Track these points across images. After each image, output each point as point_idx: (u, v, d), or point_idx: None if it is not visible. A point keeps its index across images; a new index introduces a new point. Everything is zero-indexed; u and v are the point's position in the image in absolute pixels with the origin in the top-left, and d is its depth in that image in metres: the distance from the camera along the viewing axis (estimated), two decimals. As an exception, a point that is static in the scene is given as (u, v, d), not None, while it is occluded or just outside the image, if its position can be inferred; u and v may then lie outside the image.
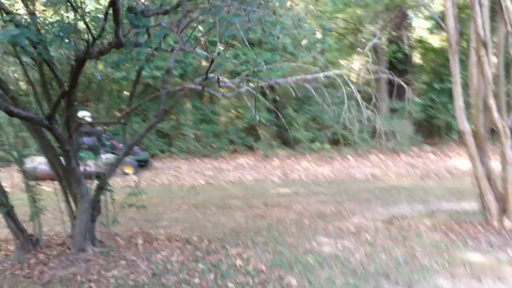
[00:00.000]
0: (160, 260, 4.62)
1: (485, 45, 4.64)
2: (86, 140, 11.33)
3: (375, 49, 15.07)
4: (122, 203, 5.38)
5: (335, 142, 13.94)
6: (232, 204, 7.45)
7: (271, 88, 14.58)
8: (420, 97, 15.26)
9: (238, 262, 4.45)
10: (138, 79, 4.63)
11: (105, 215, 5.36)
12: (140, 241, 5.35)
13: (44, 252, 4.95)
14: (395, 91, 15.08)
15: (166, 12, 3.35)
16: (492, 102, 4.72)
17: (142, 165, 12.11)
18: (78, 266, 4.52)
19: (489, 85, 4.67)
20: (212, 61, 4.17)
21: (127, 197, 5.35)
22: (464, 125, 5.04)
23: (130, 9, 3.11)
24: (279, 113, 13.57)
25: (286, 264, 4.35)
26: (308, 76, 5.73)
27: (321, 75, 5.07)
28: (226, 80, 5.18)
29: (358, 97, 13.08)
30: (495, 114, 4.72)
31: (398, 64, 15.11)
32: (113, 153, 11.91)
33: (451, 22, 4.84)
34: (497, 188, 5.18)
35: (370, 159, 12.43)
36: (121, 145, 11.98)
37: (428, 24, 15.75)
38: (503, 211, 5.05)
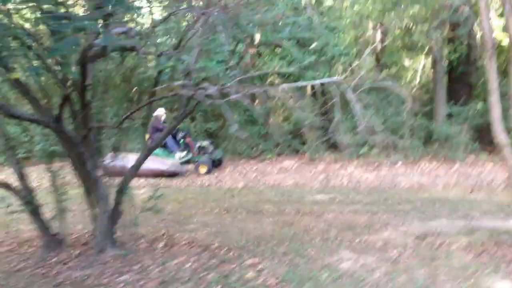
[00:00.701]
0: (174, 266, 4.61)
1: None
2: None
3: (431, 49, 14.42)
4: (141, 206, 5.38)
5: (384, 147, 13.42)
6: (264, 210, 7.33)
7: (322, 91, 14.34)
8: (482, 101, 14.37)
9: (250, 273, 4.34)
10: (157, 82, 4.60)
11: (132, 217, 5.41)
12: (160, 245, 5.38)
13: (67, 252, 5.08)
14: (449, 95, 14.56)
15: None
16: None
17: (216, 164, 12.16)
18: (94, 268, 4.60)
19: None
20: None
21: (146, 201, 5.33)
22: (502, 137, 4.62)
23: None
24: (328, 116, 13.41)
25: (298, 279, 4.19)
26: (305, 83, 5.49)
27: (317, 81, 4.81)
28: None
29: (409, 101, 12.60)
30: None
31: (461, 65, 14.35)
32: (188, 152, 12.17)
33: (486, 23, 4.45)
34: (541, 208, 4.72)
35: (421, 166, 11.83)
36: (197, 144, 12.23)
37: (501, 22, 14.68)
38: (545, 233, 4.59)
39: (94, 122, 4.40)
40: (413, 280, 4.09)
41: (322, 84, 14.59)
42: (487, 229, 5.80)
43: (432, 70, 16.08)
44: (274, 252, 5.01)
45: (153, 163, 10.93)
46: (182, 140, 12.24)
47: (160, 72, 4.51)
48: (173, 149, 11.93)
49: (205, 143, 12.33)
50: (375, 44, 12.76)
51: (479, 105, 13.38)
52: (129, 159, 11.08)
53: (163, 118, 11.97)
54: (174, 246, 5.34)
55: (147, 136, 11.98)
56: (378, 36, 17.92)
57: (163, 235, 5.86)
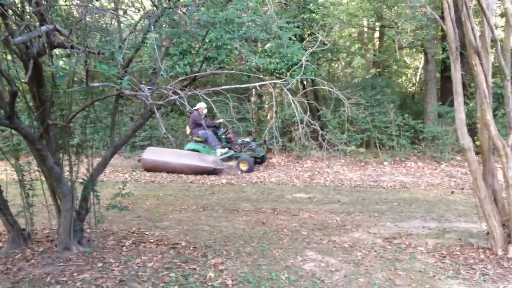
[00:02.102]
0: (136, 265, 4.59)
1: (478, 53, 4.19)
2: (202, 133, 11.55)
3: (423, 48, 14.37)
4: (108, 204, 5.35)
5: (371, 146, 13.42)
6: (241, 208, 7.33)
7: (314, 89, 14.33)
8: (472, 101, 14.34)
9: (210, 274, 4.32)
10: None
11: (93, 214, 5.38)
12: (128, 243, 5.37)
13: (32, 248, 5.06)
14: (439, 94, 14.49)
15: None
16: (489, 117, 4.27)
17: (258, 161, 11.97)
18: (56, 265, 4.58)
19: (485, 99, 4.22)
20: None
21: (113, 198, 5.31)
22: (466, 141, 4.60)
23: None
24: (316, 113, 13.39)
25: (256, 280, 4.17)
26: (245, 85, 5.46)
27: (257, 84, 4.79)
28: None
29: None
30: (494, 131, 4.26)
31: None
32: (230, 148, 11.90)
33: (450, 25, 4.41)
34: (504, 212, 4.70)
35: (407, 166, 11.83)
36: (239, 140, 11.99)
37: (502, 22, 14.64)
38: (508, 238, 4.58)
39: (50, 119, 4.36)
40: (371, 283, 4.08)
41: (308, 82, 14.57)
42: (458, 231, 5.81)
43: (423, 69, 16.08)
44: (239, 252, 5.00)
45: (193, 159, 10.91)
46: (223, 136, 11.94)
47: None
48: (214, 145, 11.62)
49: (247, 139, 12.04)
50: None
51: (470, 106, 13.32)
52: (162, 154, 11.14)
53: (204, 112, 11.67)
54: (142, 244, 5.32)
55: (187, 130, 12.02)
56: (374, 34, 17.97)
57: (133, 232, 5.85)
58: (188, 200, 7.96)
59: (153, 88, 3.71)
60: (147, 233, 5.86)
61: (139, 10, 3.99)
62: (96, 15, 4.32)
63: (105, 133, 5.90)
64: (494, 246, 4.67)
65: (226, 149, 11.73)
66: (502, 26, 11.42)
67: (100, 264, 4.59)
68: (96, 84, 3.64)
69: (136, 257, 4.79)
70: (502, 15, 11.62)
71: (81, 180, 5.08)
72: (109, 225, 6.13)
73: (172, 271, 4.40)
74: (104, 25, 4.73)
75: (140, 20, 4.14)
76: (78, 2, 4.09)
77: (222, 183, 9.72)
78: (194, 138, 11.78)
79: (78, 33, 3.96)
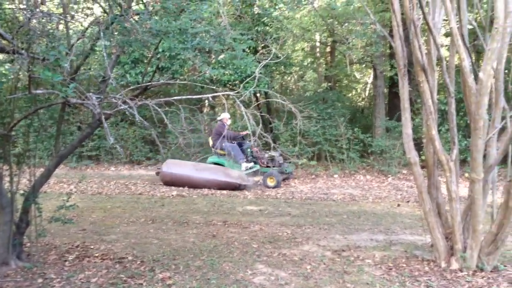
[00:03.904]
0: (79, 281, 4.40)
1: (424, 70, 4.35)
2: (226, 145, 10.90)
3: (372, 64, 14.80)
4: (50, 217, 5.12)
5: (322, 159, 13.63)
6: (191, 220, 7.21)
7: (267, 102, 14.42)
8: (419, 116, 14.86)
9: (157, 289, 4.20)
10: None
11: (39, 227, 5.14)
12: (71, 257, 5.15)
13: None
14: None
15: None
16: (434, 133, 4.42)
17: (285, 178, 11.37)
18: (-8, 281, 4.32)
19: (431, 115, 4.37)
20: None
21: (56, 211, 5.08)
22: (412, 155, 4.73)
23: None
24: (269, 125, 13.47)
25: (204, 295, 4.09)
26: (198, 96, 5.47)
27: (209, 95, 4.80)
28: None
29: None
30: (438, 146, 4.41)
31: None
32: (255, 162, 11.27)
33: (398, 42, 4.55)
34: (448, 225, 4.86)
35: (357, 179, 12.08)
36: (266, 154, 11.27)
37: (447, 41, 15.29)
38: (451, 250, 4.72)
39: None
40: (320, 296, 4.09)
41: (261, 94, 14.65)
42: (404, 243, 5.94)
43: (372, 85, 16.56)
44: (188, 266, 4.90)
45: (217, 174, 10.30)
46: (249, 149, 11.34)
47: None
48: (239, 159, 11.03)
49: (275, 153, 11.27)
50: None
51: (416, 121, 13.79)
52: (183, 167, 10.48)
53: (228, 122, 11.20)
54: (86, 258, 5.12)
55: (210, 142, 11.37)
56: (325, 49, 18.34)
57: (77, 246, 5.62)
58: (136, 213, 7.76)
59: (102, 97, 3.60)
60: (92, 247, 5.65)
61: (87, 16, 3.87)
62: (43, 19, 4.16)
63: (49, 143, 5.66)
64: (438, 258, 4.81)
65: (252, 164, 11.16)
66: (447, 45, 11.95)
67: (40, 280, 4.37)
68: (39, 91, 3.49)
69: (80, 273, 4.60)
70: (447, 34, 12.17)
71: (22, 192, 4.84)
72: (51, 238, 5.87)
73: (117, 286, 4.26)
74: (51, 30, 4.56)
75: (89, 26, 4.02)
76: (24, 6, 3.92)
77: (172, 195, 9.55)
78: (217, 150, 11.15)
79: (22, 38, 3.79)
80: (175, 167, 10.59)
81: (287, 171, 11.37)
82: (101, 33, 3.65)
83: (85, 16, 4.29)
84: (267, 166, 11.18)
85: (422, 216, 4.99)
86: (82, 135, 4.92)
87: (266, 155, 11.29)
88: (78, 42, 4.10)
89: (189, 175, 10.39)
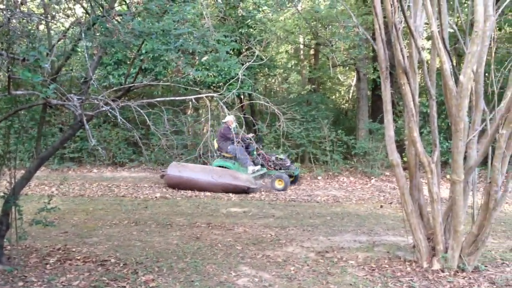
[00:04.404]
0: (60, 284, 4.36)
1: (406, 73, 4.40)
2: (231, 148, 10.71)
3: (355, 66, 14.91)
4: (31, 220, 5.05)
5: (306, 161, 13.67)
6: (175, 222, 7.18)
7: (251, 104, 14.44)
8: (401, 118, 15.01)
9: (140, 291, 4.17)
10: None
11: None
12: (53, 260, 5.08)
13: None
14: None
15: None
16: (416, 135, 4.48)
17: (292, 180, 11.15)
18: (-29, 285, 4.24)
19: (413, 117, 4.42)
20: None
21: (37, 213, 5.01)
22: (394, 157, 4.78)
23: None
24: (253, 127, 13.47)
25: (188, 297, 4.07)
26: (181, 98, 5.48)
27: (192, 97, 4.81)
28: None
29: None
30: (420, 148, 4.46)
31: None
32: (262, 165, 11.04)
33: (380, 45, 4.60)
34: (429, 226, 4.91)
35: (340, 181, 12.15)
36: (272, 156, 11.08)
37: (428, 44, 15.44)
38: (433, 251, 4.77)
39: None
40: (303, 298, 4.10)
41: (245, 96, 14.67)
42: (387, 244, 5.99)
43: (356, 87, 16.68)
44: (172, 268, 4.88)
45: (225, 177, 10.10)
46: (255, 152, 11.13)
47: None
48: (245, 162, 10.79)
49: (282, 156, 11.25)
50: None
51: (398, 123, 13.92)
52: (189, 170, 10.25)
53: (233, 125, 10.85)
54: (67, 261, 5.06)
55: (215, 144, 11.13)
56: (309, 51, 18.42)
57: (58, 249, 5.56)
58: (119, 215, 7.69)
59: (83, 97, 3.56)
60: (73, 249, 5.59)
61: (68, 16, 3.82)
62: (23, 20, 4.10)
63: (30, 144, 5.58)
64: (420, 259, 4.86)
65: (259, 167, 10.94)
66: (429, 49, 12.10)
67: (20, 284, 4.31)
68: (19, 92, 3.44)
69: (61, 276, 4.55)
70: (429, 38, 12.31)
71: (2, 194, 4.77)
72: (32, 241, 5.78)
73: (99, 289, 4.21)
74: (32, 31, 4.50)
75: (70, 27, 3.98)
76: (3, 6, 3.87)
77: (156, 197, 9.49)
78: (222, 153, 10.97)
79: (2, 38, 3.74)
80: (181, 169, 10.41)
81: (295, 174, 11.26)
82: (83, 34, 3.61)
83: (66, 17, 4.24)
84: (274, 169, 11.07)
85: (404, 217, 5.04)
86: (64, 137, 4.87)
87: (273, 158, 11.18)
88: (59, 42, 4.05)
89: (196, 178, 10.21)
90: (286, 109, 11.43)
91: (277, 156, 11.17)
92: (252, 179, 10.37)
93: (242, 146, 10.88)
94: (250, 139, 11.01)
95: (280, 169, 11.03)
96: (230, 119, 10.93)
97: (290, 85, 18.75)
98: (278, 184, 10.56)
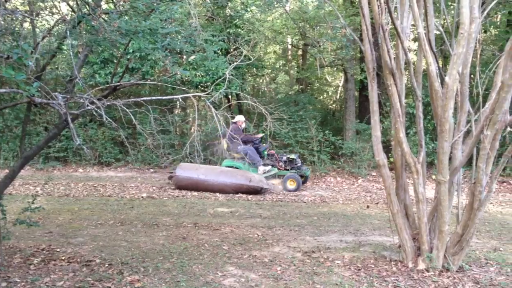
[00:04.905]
0: (44, 284, 4.30)
1: (393, 74, 4.43)
2: (242, 148, 10.58)
3: (343, 67, 14.97)
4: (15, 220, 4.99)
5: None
6: (161, 222, 7.13)
7: (238, 103, 14.43)
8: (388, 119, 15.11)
9: (125, 292, 4.14)
10: None
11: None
12: (37, 260, 5.02)
13: None
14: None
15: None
16: (402, 135, 4.51)
17: (303, 181, 11.03)
18: (-48, 286, 4.18)
19: (399, 118, 4.45)
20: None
21: (21, 213, 4.95)
22: (380, 157, 4.81)
23: None
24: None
25: (174, 297, 4.05)
26: (167, 97, 5.46)
27: (179, 96, 4.80)
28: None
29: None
30: (406, 149, 4.49)
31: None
32: (273, 165, 10.95)
33: (367, 46, 4.62)
34: (415, 226, 4.95)
35: (327, 181, 12.20)
36: (283, 157, 10.98)
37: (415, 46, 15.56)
38: (418, 251, 4.81)
39: None
40: (289, 298, 4.10)
41: (233, 96, 14.67)
42: (373, 244, 6.02)
43: (343, 88, 16.74)
44: (158, 269, 4.85)
45: (237, 177, 9.93)
46: (265, 151, 11.01)
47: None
48: (256, 162, 10.65)
49: (293, 155, 11.13)
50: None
51: (385, 124, 14.02)
52: (199, 170, 10.07)
53: (243, 125, 10.90)
54: (52, 261, 5.00)
55: (225, 145, 11.07)
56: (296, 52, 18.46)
57: (43, 249, 5.49)
58: (105, 215, 7.63)
59: (68, 96, 3.52)
60: (58, 249, 5.53)
61: (53, 14, 3.78)
62: (8, 17, 4.05)
63: (15, 143, 5.51)
64: (405, 258, 4.89)
65: (270, 167, 10.86)
66: (415, 50, 12.20)
67: (4, 284, 4.25)
68: (2, 91, 3.39)
69: (45, 276, 4.50)
70: (415, 39, 12.41)
71: (-15, 193, 4.71)
72: (16, 241, 5.70)
73: (84, 290, 4.17)
74: (16, 28, 4.44)
75: (55, 24, 3.93)
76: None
77: (142, 197, 9.43)
78: (232, 153, 10.91)
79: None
80: (190, 170, 10.20)
81: (306, 174, 11.19)
82: (68, 32, 3.57)
83: (51, 14, 4.19)
84: (285, 169, 11.01)
85: (390, 218, 5.07)
86: (49, 136, 4.81)
87: (284, 158, 11.10)
88: (44, 40, 4.01)
89: (206, 179, 10.02)
90: (273, 109, 11.48)
91: (288, 156, 11.11)
92: (264, 179, 10.27)
93: (252, 146, 10.87)
94: (264, 139, 11.02)
95: (291, 169, 10.97)
96: (240, 119, 10.88)
97: (278, 85, 18.78)
98: (290, 185, 10.51)
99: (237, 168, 10.52)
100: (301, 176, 10.89)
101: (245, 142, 10.72)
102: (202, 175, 10.06)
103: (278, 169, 11.01)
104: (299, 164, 11.04)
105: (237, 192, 9.87)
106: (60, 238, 6.11)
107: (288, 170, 10.96)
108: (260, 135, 11.19)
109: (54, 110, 5.92)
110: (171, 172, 10.59)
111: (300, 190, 10.55)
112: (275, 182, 10.75)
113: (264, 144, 11.30)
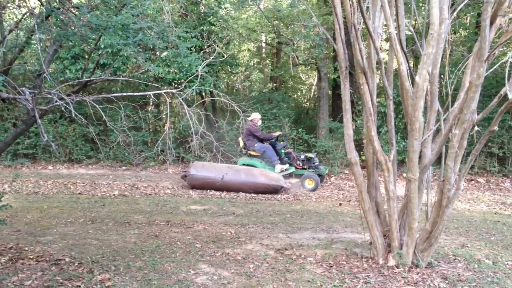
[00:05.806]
0: (12, 283, 4.20)
1: (364, 73, 4.49)
2: (259, 146, 10.43)
3: (316, 66, 15.08)
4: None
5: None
6: (133, 220, 7.05)
7: (212, 101, 14.37)
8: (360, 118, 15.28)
9: (95, 291, 4.07)
10: None
11: None
12: (4, 260, 4.89)
13: None
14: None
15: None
16: (374, 134, 4.57)
17: (320, 180, 10.89)
18: None
19: (371, 116, 4.51)
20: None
21: (-13, 212, 4.82)
22: (353, 155, 4.86)
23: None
24: (214, 125, 13.40)
25: (145, 296, 4.01)
26: (139, 94, 5.42)
27: (151, 93, 4.78)
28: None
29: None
30: (377, 147, 4.56)
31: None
32: (290, 164, 10.76)
33: (340, 45, 4.66)
34: (386, 223, 5.02)
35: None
36: (301, 155, 10.75)
37: (387, 46, 15.74)
38: (389, 247, 4.88)
39: None
40: (262, 295, 4.11)
41: (206, 93, 14.61)
42: (345, 241, 6.09)
43: (317, 86, 16.87)
44: (129, 267, 4.79)
45: (256, 176, 9.68)
46: (283, 150, 10.83)
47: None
48: (273, 160, 10.51)
49: (311, 154, 10.96)
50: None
51: (357, 122, 14.18)
52: (214, 169, 9.79)
53: (259, 123, 10.71)
54: (20, 260, 4.88)
55: (241, 143, 10.88)
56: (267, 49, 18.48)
57: (10, 248, 5.35)
58: (75, 213, 7.49)
59: (35, 91, 3.44)
60: (26, 248, 5.40)
61: (20, 7, 3.68)
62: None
63: (-20, 139, 5.35)
64: (376, 255, 4.96)
65: (287, 165, 10.70)
66: (387, 50, 12.38)
67: (-32, 285, 4.13)
68: (-33, 85, 3.29)
69: (13, 275, 4.39)
70: (387, 39, 12.60)
71: (-52, 191, 4.56)
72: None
73: (52, 290, 4.08)
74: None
75: (23, 18, 3.83)
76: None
77: (114, 195, 9.30)
78: (249, 151, 10.70)
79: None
80: (205, 169, 9.97)
81: (323, 173, 11.08)
82: (36, 26, 3.49)
83: (18, 7, 4.08)
84: (303, 168, 10.91)
85: (362, 215, 5.13)
86: (16, 132, 4.69)
87: (302, 157, 10.97)
88: (12, 34, 3.90)
89: (223, 178, 9.82)
90: (247, 107, 11.48)
91: (306, 155, 11.01)
92: (282, 178, 10.14)
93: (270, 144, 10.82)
94: (285, 137, 10.93)
95: (309, 168, 10.89)
96: (256, 116, 10.78)
97: (252, 83, 18.79)
98: (309, 184, 10.43)
99: (253, 166, 10.38)
100: (319, 175, 10.81)
101: (262, 140, 10.67)
102: (220, 174, 9.83)
103: (296, 168, 10.93)
104: (316, 163, 10.96)
105: (257, 191, 9.70)
106: (29, 237, 5.98)
107: (305, 169, 10.88)
108: (278, 133, 11.11)
109: (24, 105, 5.78)
110: (185, 172, 10.36)
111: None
112: (293, 181, 10.68)
113: (282, 142, 11.20)
